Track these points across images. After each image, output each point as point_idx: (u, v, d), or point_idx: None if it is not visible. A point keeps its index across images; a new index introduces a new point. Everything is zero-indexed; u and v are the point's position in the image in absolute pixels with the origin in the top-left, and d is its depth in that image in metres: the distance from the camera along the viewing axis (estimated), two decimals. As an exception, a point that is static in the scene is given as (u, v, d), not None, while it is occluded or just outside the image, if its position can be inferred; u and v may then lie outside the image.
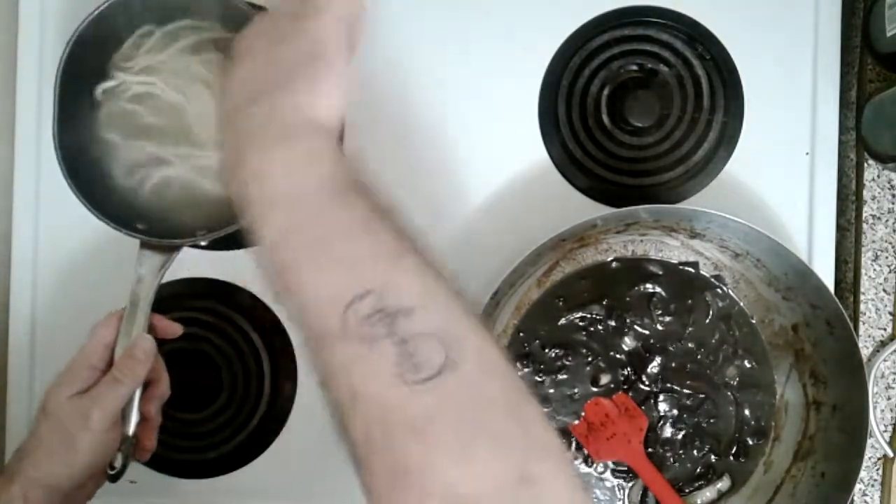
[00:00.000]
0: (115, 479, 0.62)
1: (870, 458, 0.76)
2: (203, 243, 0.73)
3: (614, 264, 0.78)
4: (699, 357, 0.78)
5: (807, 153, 0.77)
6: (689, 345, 0.78)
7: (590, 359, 0.77)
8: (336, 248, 0.43)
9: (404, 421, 0.39)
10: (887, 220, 0.76)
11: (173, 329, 0.66)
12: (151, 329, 0.64)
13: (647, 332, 0.78)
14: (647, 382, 0.77)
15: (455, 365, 0.39)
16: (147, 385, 0.63)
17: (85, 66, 0.66)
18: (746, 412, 0.78)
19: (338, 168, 0.45)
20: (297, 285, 0.43)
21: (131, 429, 0.62)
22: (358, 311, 0.40)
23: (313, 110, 0.47)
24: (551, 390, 0.77)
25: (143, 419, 0.63)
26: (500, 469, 0.38)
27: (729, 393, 0.78)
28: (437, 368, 0.39)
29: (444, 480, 0.38)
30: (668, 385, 0.77)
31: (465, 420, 0.39)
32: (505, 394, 0.41)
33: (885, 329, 0.76)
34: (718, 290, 0.78)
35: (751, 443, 0.78)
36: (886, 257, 0.76)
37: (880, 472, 0.76)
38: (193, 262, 0.77)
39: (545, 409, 0.77)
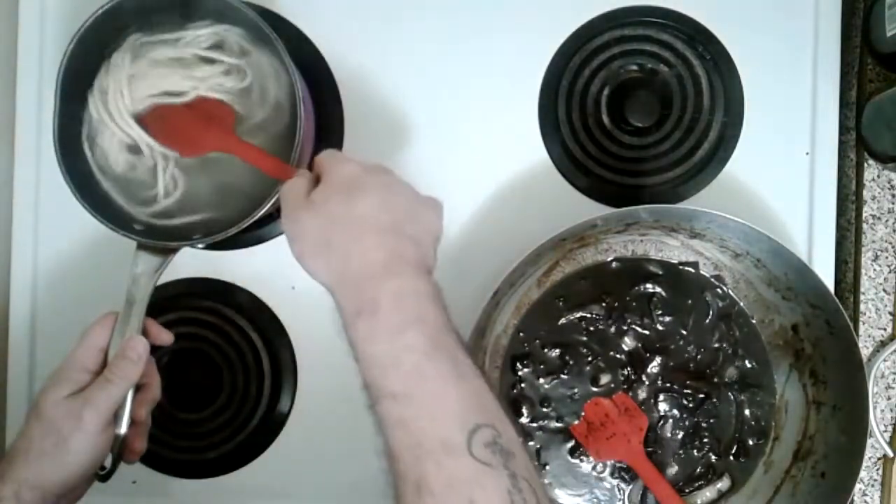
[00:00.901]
0: (104, 479, 0.62)
1: (870, 458, 0.76)
2: (200, 245, 0.73)
3: (614, 264, 0.78)
4: (699, 357, 0.78)
5: (807, 153, 0.77)
6: (689, 345, 0.78)
7: (590, 359, 0.77)
8: (465, 379, 0.50)
9: None
10: (887, 220, 0.76)
11: (165, 337, 0.66)
12: (145, 332, 0.64)
13: (647, 332, 0.78)
14: (647, 382, 0.77)
15: None
16: (138, 388, 0.63)
17: (85, 66, 0.66)
18: (746, 412, 0.78)
19: (451, 320, 0.53)
20: (427, 391, 0.49)
21: (123, 429, 0.62)
22: (481, 438, 0.47)
23: (428, 257, 0.55)
24: (551, 390, 0.77)
25: (133, 422, 0.63)
26: None
27: (729, 393, 0.78)
28: None
29: None
30: (668, 385, 0.77)
31: None
32: None
33: (885, 329, 0.76)
34: (718, 290, 0.78)
35: (751, 443, 0.78)
36: (886, 257, 0.76)
37: (880, 472, 0.76)
38: (193, 263, 0.77)
39: (545, 409, 0.77)
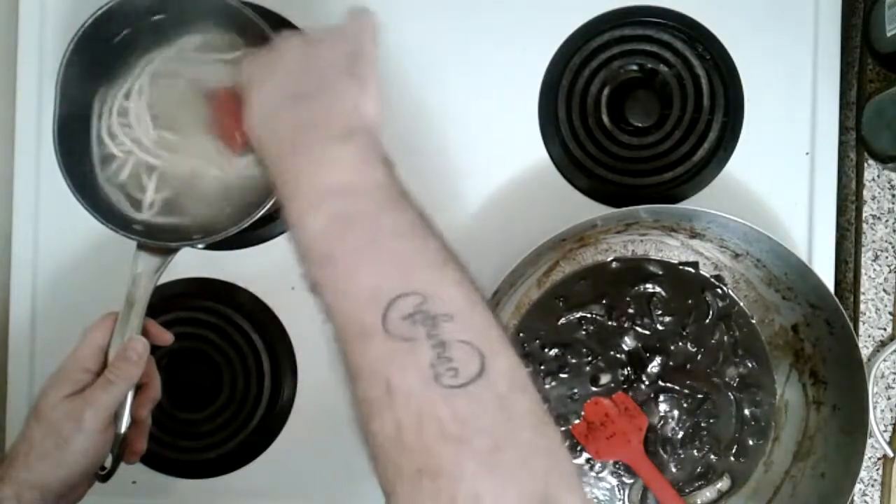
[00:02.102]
0: (104, 479, 0.62)
1: (870, 458, 0.76)
2: (200, 246, 0.73)
3: (614, 264, 0.78)
4: (699, 357, 0.78)
5: (807, 153, 0.77)
6: (689, 345, 0.78)
7: (590, 359, 0.77)
8: (385, 246, 0.45)
9: (438, 422, 0.39)
10: (887, 220, 0.76)
11: (165, 337, 0.66)
12: (145, 333, 0.64)
13: (647, 332, 0.78)
14: (647, 382, 0.77)
15: (489, 375, 0.40)
16: (138, 388, 0.63)
17: (86, 67, 0.66)
18: (746, 412, 0.78)
19: (390, 172, 0.47)
20: (338, 276, 0.44)
21: (123, 429, 0.62)
22: (400, 310, 0.41)
23: (364, 111, 0.50)
24: (551, 390, 0.77)
25: (134, 422, 0.63)
26: (525, 484, 0.39)
27: (729, 393, 0.78)
28: (472, 376, 0.40)
29: (469, 485, 0.38)
30: (668, 385, 0.77)
31: (495, 430, 0.40)
32: (532, 412, 0.42)
33: (885, 329, 0.76)
34: (718, 290, 0.78)
35: (751, 443, 0.78)
36: (886, 257, 0.76)
37: (880, 472, 0.76)
38: (193, 263, 0.77)
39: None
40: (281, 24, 0.76)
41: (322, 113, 0.49)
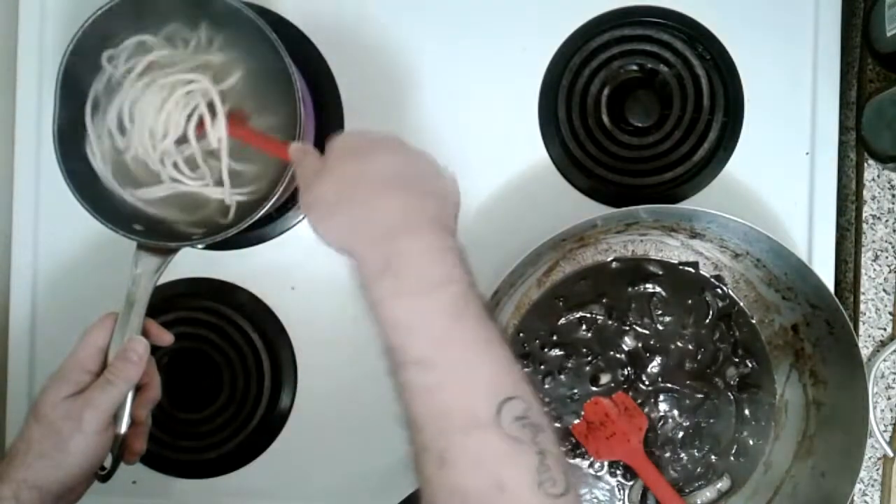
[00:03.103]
0: (104, 479, 0.62)
1: (870, 458, 0.76)
2: (200, 246, 0.73)
3: (614, 264, 0.78)
4: (699, 357, 0.78)
5: (807, 153, 0.77)
6: (689, 345, 0.78)
7: (590, 359, 0.77)
8: (495, 347, 0.47)
9: None
10: (887, 220, 0.76)
11: (165, 337, 0.66)
12: (145, 333, 0.64)
13: (647, 332, 0.78)
14: (647, 382, 0.77)
15: (573, 489, 0.44)
16: (138, 388, 0.63)
17: (85, 67, 0.66)
18: (746, 412, 0.78)
19: (472, 275, 0.49)
20: (455, 358, 0.46)
21: (123, 429, 0.62)
22: (513, 410, 0.44)
23: (450, 219, 0.52)
24: (551, 390, 0.77)
25: (133, 423, 0.63)
26: None
27: (729, 393, 0.78)
28: (563, 490, 0.44)
29: None
30: (668, 385, 0.77)
31: None
32: None
33: (885, 329, 0.76)
34: (718, 290, 0.78)
35: (751, 443, 0.78)
36: (886, 257, 0.76)
37: (880, 472, 0.76)
38: (193, 263, 0.77)
39: (545, 409, 0.77)
40: (281, 24, 0.76)
41: (425, 205, 0.51)
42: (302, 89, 0.65)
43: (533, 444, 0.43)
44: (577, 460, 0.77)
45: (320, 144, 0.75)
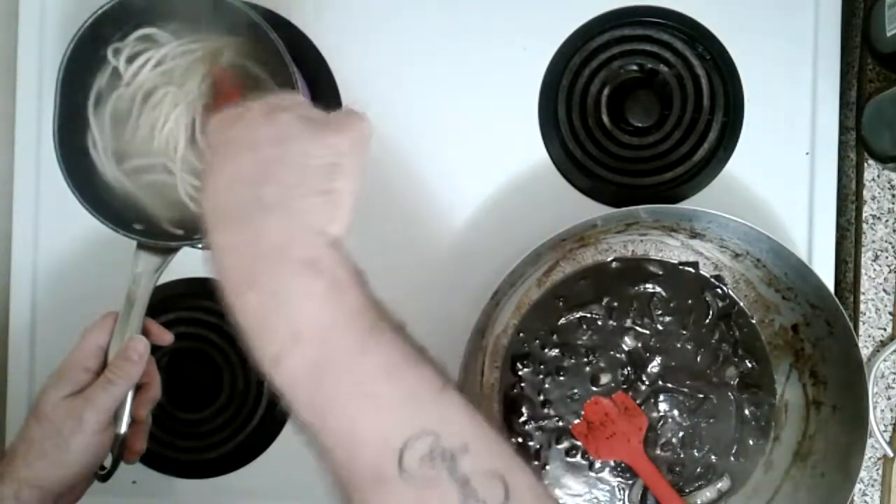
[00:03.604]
0: (104, 479, 0.62)
1: (870, 458, 0.76)
2: (200, 245, 0.73)
3: (614, 264, 0.78)
4: (699, 357, 0.78)
5: (807, 153, 0.77)
6: (689, 345, 0.78)
7: (590, 359, 0.77)
8: (380, 387, 0.42)
9: None
10: (887, 220, 0.76)
11: (165, 337, 0.66)
12: (145, 332, 0.64)
13: (647, 332, 0.78)
14: (647, 382, 0.77)
15: (514, 496, 0.40)
16: (139, 388, 0.63)
17: (85, 66, 0.66)
18: (746, 412, 0.78)
19: (362, 291, 0.43)
20: (335, 426, 0.41)
21: (123, 429, 0.62)
22: (416, 451, 0.40)
23: (332, 230, 0.44)
24: (551, 390, 0.77)
25: (134, 422, 0.63)
26: None
27: (729, 393, 0.78)
28: (501, 498, 0.40)
29: None
30: (668, 385, 0.77)
31: None
32: None
33: (885, 329, 0.76)
34: (718, 290, 0.78)
35: (751, 443, 0.78)
36: (886, 257, 0.76)
37: (880, 472, 0.76)
38: (193, 262, 0.76)
39: (545, 409, 0.77)
40: (281, 24, 0.76)
41: (281, 233, 0.43)
42: (302, 89, 0.65)
43: (450, 478, 0.39)
44: (577, 460, 0.77)
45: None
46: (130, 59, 0.67)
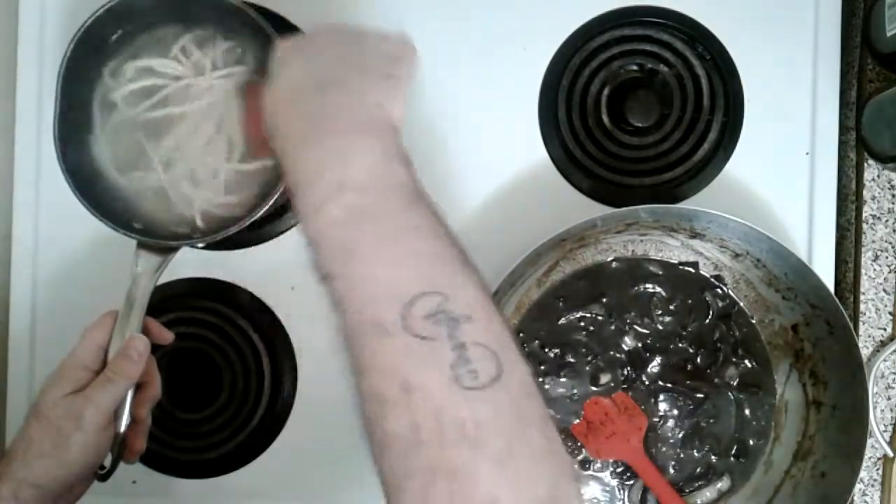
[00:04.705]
0: (104, 478, 0.62)
1: (870, 458, 0.76)
2: (200, 245, 0.73)
3: (614, 264, 0.78)
4: (699, 357, 0.78)
5: (807, 153, 0.77)
6: (689, 345, 0.78)
7: (590, 358, 0.77)
8: (406, 243, 0.44)
9: (456, 422, 0.39)
10: (887, 220, 0.76)
11: (165, 335, 0.66)
12: (145, 331, 0.64)
13: (647, 331, 0.78)
14: (647, 382, 0.77)
15: (505, 380, 0.41)
16: (139, 387, 0.63)
17: (86, 66, 0.66)
18: (746, 412, 0.78)
19: (409, 171, 0.47)
20: (355, 270, 0.44)
21: (123, 428, 0.62)
22: (422, 308, 0.41)
23: (391, 111, 0.49)
24: (551, 390, 0.77)
25: (134, 421, 0.63)
26: (536, 485, 0.39)
27: (729, 393, 0.78)
28: (490, 379, 0.40)
29: (486, 488, 0.38)
30: (668, 385, 0.77)
31: (509, 432, 0.40)
32: (540, 414, 0.42)
33: (885, 329, 0.76)
34: (718, 290, 0.78)
35: (751, 443, 0.78)
36: (886, 257, 0.76)
37: (880, 472, 0.76)
38: (193, 262, 0.77)
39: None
40: (282, 25, 0.76)
41: (348, 103, 0.48)
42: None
43: (448, 339, 0.41)
44: (577, 460, 0.77)
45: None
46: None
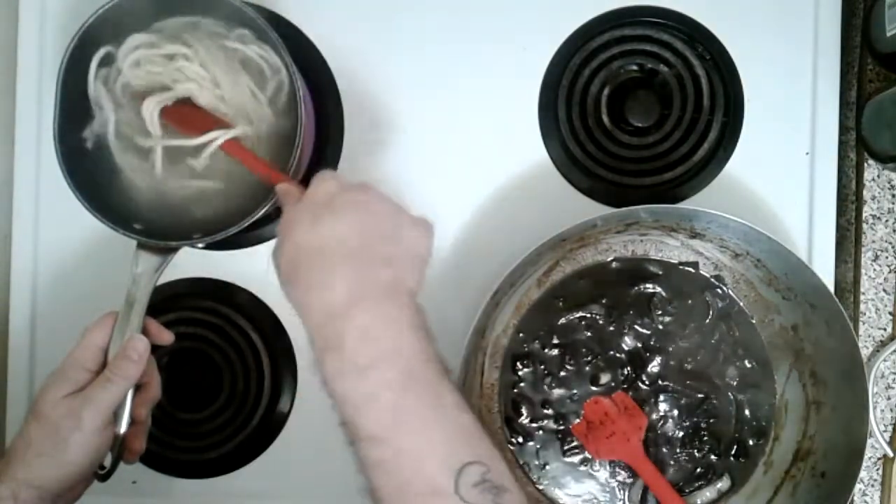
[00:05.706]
0: (103, 478, 0.62)
1: (870, 458, 0.76)
2: (200, 245, 0.73)
3: (614, 264, 0.78)
4: (699, 357, 0.78)
5: (807, 153, 0.77)
6: (689, 345, 0.78)
7: (590, 359, 0.77)
8: (450, 413, 0.49)
9: None
10: (887, 220, 0.76)
11: (165, 336, 0.66)
12: (145, 332, 0.64)
13: (647, 332, 0.78)
14: (647, 382, 0.77)
15: None
16: (138, 387, 0.63)
17: (85, 67, 0.66)
18: (746, 412, 0.78)
19: (436, 348, 0.51)
20: (406, 433, 0.47)
21: (123, 428, 0.62)
22: (471, 476, 0.46)
23: (416, 287, 0.53)
24: (551, 390, 0.77)
25: (133, 422, 0.63)
26: None
27: (729, 393, 0.78)
28: None
29: None
30: (668, 385, 0.77)
31: None
32: None
33: (885, 329, 0.76)
34: (718, 290, 0.78)
35: (751, 443, 0.78)
36: (886, 257, 0.76)
37: (880, 472, 0.76)
38: (193, 263, 0.77)
39: (545, 409, 0.77)
40: (281, 24, 0.76)
41: (394, 277, 0.51)
42: (302, 89, 0.65)
43: None
44: (577, 460, 0.77)
45: (321, 145, 0.76)
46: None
